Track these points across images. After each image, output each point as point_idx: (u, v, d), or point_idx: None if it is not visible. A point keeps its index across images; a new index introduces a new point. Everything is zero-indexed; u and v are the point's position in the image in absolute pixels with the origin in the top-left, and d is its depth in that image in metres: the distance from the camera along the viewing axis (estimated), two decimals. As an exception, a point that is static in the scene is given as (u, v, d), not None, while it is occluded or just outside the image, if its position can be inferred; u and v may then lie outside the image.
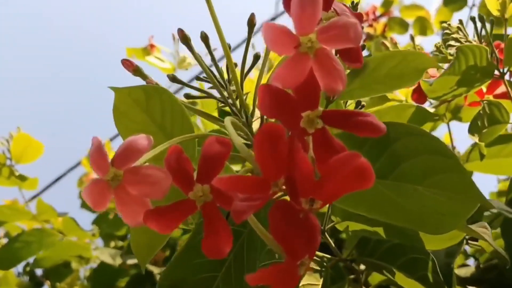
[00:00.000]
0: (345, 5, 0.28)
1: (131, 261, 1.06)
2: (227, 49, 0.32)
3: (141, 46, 1.02)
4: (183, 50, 1.06)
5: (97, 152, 0.25)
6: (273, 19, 1.86)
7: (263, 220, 0.27)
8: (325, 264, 0.50)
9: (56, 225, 1.07)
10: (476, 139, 0.47)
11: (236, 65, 0.36)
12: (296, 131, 0.25)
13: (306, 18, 0.23)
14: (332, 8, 0.28)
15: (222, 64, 0.37)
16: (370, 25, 1.64)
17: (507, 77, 0.62)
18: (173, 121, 0.33)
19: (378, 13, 1.69)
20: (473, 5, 1.28)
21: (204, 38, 0.34)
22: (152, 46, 1.00)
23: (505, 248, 0.56)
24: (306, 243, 0.25)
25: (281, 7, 1.87)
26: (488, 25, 0.54)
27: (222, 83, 0.35)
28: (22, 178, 0.93)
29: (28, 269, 1.25)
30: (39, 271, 1.32)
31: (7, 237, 1.27)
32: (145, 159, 0.28)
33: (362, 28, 0.35)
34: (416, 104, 0.41)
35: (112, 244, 1.22)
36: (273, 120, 0.28)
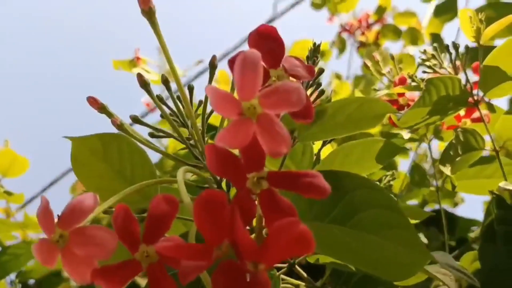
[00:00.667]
0: (297, 59, 0.28)
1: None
2: (185, 95, 0.32)
3: (127, 58, 1.02)
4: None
5: (43, 212, 0.25)
6: (271, 21, 1.86)
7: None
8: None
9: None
10: (447, 170, 0.47)
11: (201, 102, 0.36)
12: (243, 191, 0.25)
13: (248, 84, 0.23)
14: (281, 64, 0.28)
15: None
16: (363, 33, 1.64)
17: (486, 99, 0.62)
18: (133, 167, 0.33)
19: (371, 20, 1.69)
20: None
21: (165, 82, 0.34)
22: (138, 58, 1.00)
23: (481, 272, 0.57)
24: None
25: (279, 8, 1.87)
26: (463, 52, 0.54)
27: (184, 124, 0.35)
28: (8, 193, 0.94)
29: (17, 280, 1.25)
30: (31, 280, 1.32)
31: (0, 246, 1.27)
32: (98, 212, 0.28)
33: (320, 74, 0.35)
34: (383, 139, 0.41)
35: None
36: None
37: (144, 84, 0.34)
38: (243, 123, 0.24)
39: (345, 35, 1.76)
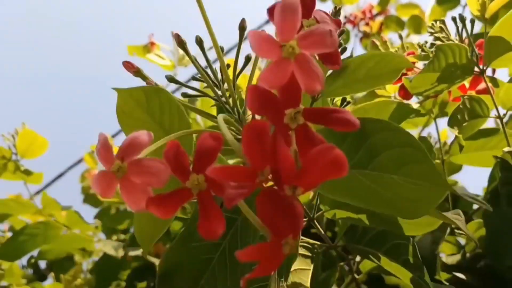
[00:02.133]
0: (325, 13, 0.31)
1: (133, 253, 1.09)
2: (219, 51, 0.35)
3: (141, 43, 1.05)
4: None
5: (103, 147, 0.28)
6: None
7: (253, 206, 0.30)
8: (316, 250, 0.54)
9: (59, 219, 1.10)
10: (455, 131, 0.50)
11: (229, 66, 0.40)
12: (280, 127, 0.28)
13: (287, 27, 0.26)
14: (312, 16, 0.31)
15: (217, 65, 0.40)
16: (367, 24, 1.67)
17: (489, 73, 0.65)
18: (171, 119, 0.36)
19: (374, 11, 1.72)
20: (466, 4, 1.31)
21: (199, 42, 0.37)
22: (152, 43, 1.03)
23: (485, 236, 0.60)
24: (290, 224, 0.28)
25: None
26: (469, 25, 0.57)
27: (216, 82, 0.38)
28: (27, 172, 0.97)
29: (32, 261, 1.28)
30: (42, 264, 1.36)
31: (12, 231, 1.30)
32: (147, 153, 0.31)
33: (343, 32, 0.38)
34: (397, 101, 0.44)
35: (114, 237, 1.26)
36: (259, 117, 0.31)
37: (181, 43, 0.37)
38: (282, 62, 0.27)
39: (349, 26, 1.80)
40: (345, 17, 1.75)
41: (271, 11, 0.29)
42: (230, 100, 0.38)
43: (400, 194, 0.33)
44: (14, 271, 1.23)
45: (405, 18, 1.61)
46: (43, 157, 1.03)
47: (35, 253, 1.15)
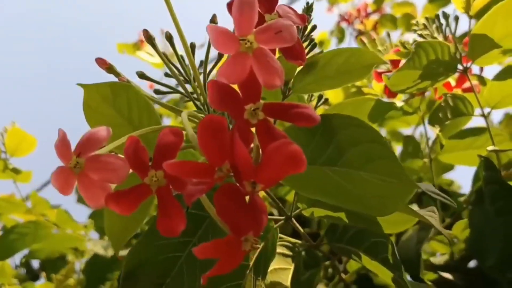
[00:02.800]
0: (290, 7, 0.31)
1: (124, 253, 1.09)
2: (188, 47, 0.35)
3: (131, 41, 1.04)
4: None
5: (61, 142, 0.28)
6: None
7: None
8: (297, 249, 0.53)
9: (51, 218, 1.10)
10: (436, 130, 0.50)
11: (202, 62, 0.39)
12: (241, 122, 0.28)
13: (244, 21, 0.26)
14: (275, 10, 0.30)
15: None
16: (361, 22, 1.67)
17: (477, 71, 0.64)
18: (140, 115, 0.36)
19: (369, 10, 1.72)
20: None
21: (169, 38, 0.37)
22: (142, 41, 1.03)
23: (469, 235, 0.59)
24: (251, 221, 0.27)
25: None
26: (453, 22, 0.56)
27: (187, 79, 0.38)
28: (16, 171, 0.96)
29: (24, 260, 1.28)
30: (35, 264, 1.35)
31: (3, 230, 1.30)
32: (110, 148, 0.31)
33: (314, 28, 0.37)
34: (375, 98, 0.44)
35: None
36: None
37: (149, 38, 0.36)
38: (240, 57, 0.26)
39: (344, 24, 1.79)
40: (340, 15, 1.75)
41: (229, 5, 0.29)
42: (201, 96, 0.37)
43: (367, 191, 0.33)
44: (6, 271, 1.23)
45: (399, 16, 1.60)
46: (37, 157, 1.03)
47: (27, 252, 1.15)
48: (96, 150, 0.28)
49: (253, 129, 0.28)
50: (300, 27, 0.35)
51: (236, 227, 0.27)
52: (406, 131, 0.99)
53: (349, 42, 1.73)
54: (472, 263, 0.74)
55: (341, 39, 1.75)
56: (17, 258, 1.29)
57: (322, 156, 0.34)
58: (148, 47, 1.02)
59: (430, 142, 0.75)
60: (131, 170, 0.28)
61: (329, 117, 0.33)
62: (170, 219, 0.28)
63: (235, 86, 0.28)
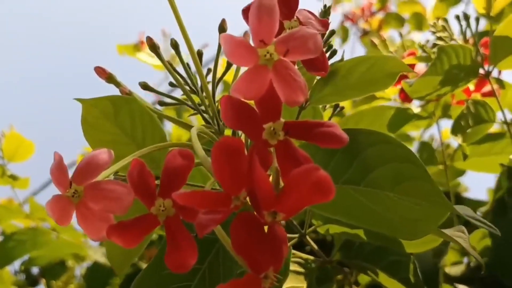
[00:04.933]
0: (310, 12, 0.28)
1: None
2: (195, 55, 0.32)
3: (132, 43, 1.01)
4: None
5: (57, 168, 0.24)
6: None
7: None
8: (309, 266, 0.50)
9: (50, 223, 1.07)
10: (459, 140, 0.47)
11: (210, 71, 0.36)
12: (259, 143, 0.25)
13: (264, 30, 0.23)
14: (295, 16, 0.27)
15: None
16: (366, 21, 1.64)
17: (495, 74, 0.61)
18: (144, 131, 0.32)
19: (374, 8, 1.68)
20: (469, 0, 1.27)
21: (175, 45, 0.33)
22: (142, 42, 1.00)
23: (491, 247, 0.56)
24: (271, 255, 0.24)
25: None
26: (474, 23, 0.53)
27: (194, 89, 0.35)
28: (14, 177, 0.93)
29: (23, 267, 1.25)
30: (35, 270, 1.33)
31: (3, 235, 1.27)
32: (113, 170, 0.27)
33: (333, 33, 0.34)
34: (396, 105, 0.41)
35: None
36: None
37: (153, 47, 0.33)
38: (259, 71, 0.23)
39: (348, 24, 1.76)
40: (344, 14, 1.71)
41: (246, 12, 0.26)
42: (209, 109, 0.34)
43: (397, 213, 0.30)
44: (5, 277, 1.20)
45: (405, 14, 1.57)
46: (35, 161, 1.00)
47: (27, 258, 1.13)
48: (97, 176, 0.25)
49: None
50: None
51: (255, 262, 0.24)
52: (414, 133, 0.96)
53: (353, 42, 1.70)
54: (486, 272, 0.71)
55: (344, 39, 1.71)
56: (16, 264, 1.26)
57: (344, 176, 0.31)
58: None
59: (438, 144, 0.72)
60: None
61: (353, 132, 0.29)
62: (180, 252, 0.25)
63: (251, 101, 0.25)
